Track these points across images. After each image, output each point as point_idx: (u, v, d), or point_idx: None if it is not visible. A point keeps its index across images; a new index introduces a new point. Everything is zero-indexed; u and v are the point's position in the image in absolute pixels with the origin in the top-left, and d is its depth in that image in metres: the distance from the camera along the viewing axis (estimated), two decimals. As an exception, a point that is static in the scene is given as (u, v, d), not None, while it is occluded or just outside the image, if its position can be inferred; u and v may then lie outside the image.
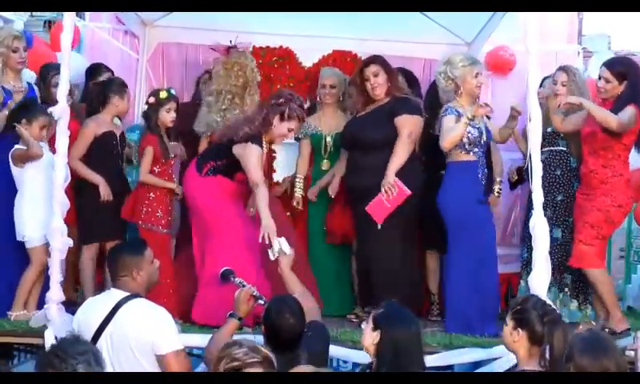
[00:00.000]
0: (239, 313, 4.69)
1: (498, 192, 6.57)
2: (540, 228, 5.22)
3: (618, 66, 5.82)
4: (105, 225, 5.97)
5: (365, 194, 5.95)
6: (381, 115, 6.09)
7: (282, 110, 5.75)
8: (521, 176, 6.42)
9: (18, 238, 5.67)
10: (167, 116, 6.00)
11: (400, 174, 5.90)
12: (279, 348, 4.05)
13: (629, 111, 5.64)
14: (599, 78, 5.86)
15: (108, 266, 4.74)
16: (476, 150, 5.87)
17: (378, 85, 6.10)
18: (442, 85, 6.00)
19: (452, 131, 5.76)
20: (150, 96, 6.14)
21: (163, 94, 6.05)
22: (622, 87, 5.75)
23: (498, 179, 6.56)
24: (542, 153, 6.23)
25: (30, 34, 6.82)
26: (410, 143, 6.00)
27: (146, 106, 6.09)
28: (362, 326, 4.11)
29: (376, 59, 6.20)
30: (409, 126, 5.98)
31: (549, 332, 3.92)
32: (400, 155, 5.92)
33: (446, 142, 5.80)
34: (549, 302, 4.47)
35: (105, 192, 5.91)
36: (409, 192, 5.84)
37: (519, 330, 4.00)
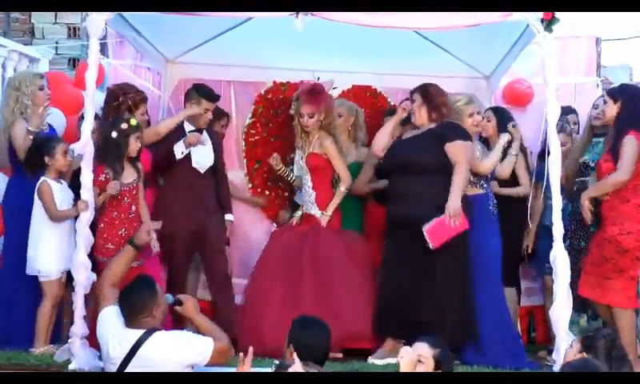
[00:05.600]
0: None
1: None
2: (561, 260, 5.22)
3: (615, 89, 5.94)
4: None
5: (404, 223, 5.70)
6: (429, 139, 5.86)
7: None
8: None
9: (31, 273, 5.68)
10: (135, 144, 5.78)
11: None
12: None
13: (629, 144, 5.57)
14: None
15: (123, 311, 4.66)
16: (482, 182, 5.96)
17: (414, 110, 5.98)
18: None
19: (492, 154, 6.02)
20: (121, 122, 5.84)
21: (133, 122, 5.81)
22: (617, 108, 5.74)
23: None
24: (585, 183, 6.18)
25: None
26: (468, 170, 5.78)
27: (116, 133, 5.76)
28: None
29: (417, 89, 6.08)
30: (465, 151, 5.75)
31: (616, 368, 3.89)
32: (462, 182, 5.65)
33: (484, 167, 5.99)
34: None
35: None
36: (467, 226, 5.58)
37: (584, 353, 3.99)
